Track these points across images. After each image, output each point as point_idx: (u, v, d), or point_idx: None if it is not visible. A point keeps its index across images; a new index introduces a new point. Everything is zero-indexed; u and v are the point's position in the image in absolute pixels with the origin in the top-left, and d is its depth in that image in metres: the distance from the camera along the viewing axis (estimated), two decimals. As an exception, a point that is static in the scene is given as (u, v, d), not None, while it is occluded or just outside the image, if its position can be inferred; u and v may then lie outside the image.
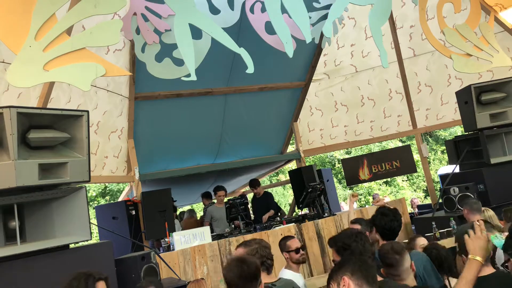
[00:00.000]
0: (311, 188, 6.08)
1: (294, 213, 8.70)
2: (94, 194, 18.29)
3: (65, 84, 5.09)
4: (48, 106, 4.87)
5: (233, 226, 6.01)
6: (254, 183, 7.41)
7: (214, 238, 5.28)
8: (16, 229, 2.68)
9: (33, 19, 3.17)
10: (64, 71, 3.25)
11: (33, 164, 2.69)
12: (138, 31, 4.24)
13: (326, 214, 6.06)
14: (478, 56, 5.67)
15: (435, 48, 5.75)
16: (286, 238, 3.70)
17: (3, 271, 2.57)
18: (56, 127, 2.92)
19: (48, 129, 2.87)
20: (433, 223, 5.01)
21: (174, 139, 7.18)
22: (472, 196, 5.10)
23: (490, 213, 4.14)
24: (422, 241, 3.73)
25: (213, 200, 7.58)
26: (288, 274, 3.31)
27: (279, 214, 7.20)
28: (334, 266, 2.01)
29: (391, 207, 3.45)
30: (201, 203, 8.64)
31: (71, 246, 2.99)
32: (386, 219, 3.22)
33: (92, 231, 3.13)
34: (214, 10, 4.68)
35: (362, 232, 2.86)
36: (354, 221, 4.03)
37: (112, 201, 17.34)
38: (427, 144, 20.70)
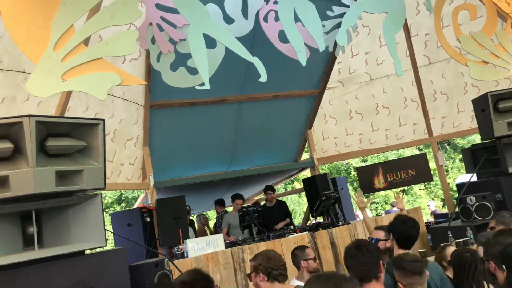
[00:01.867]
0: (325, 197, 6.06)
1: (308, 222, 8.66)
2: (110, 201, 18.50)
3: (82, 93, 5.21)
4: (66, 115, 4.98)
5: (249, 233, 6.02)
6: (270, 188, 7.36)
7: (227, 245, 5.30)
8: (34, 234, 2.73)
9: (52, 31, 3.26)
10: (81, 80, 3.33)
11: (50, 171, 2.75)
12: (153, 40, 4.32)
13: (340, 222, 6.03)
14: (495, 63, 5.60)
15: (451, 56, 5.71)
16: (303, 247, 3.69)
17: (21, 275, 2.63)
18: (73, 135, 2.98)
19: (65, 137, 2.93)
20: (449, 232, 4.94)
21: (189, 146, 7.24)
22: (490, 206, 5.01)
23: None
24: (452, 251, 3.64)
25: (225, 208, 7.60)
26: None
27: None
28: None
29: (410, 215, 3.40)
30: (214, 210, 8.67)
31: (87, 252, 3.04)
32: (405, 226, 3.16)
33: (107, 237, 3.18)
34: (228, 20, 4.73)
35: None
36: (378, 228, 3.94)
37: (127, 208, 17.51)
38: (445, 152, 20.42)
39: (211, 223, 10.25)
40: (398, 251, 3.16)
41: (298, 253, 3.62)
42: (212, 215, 17.89)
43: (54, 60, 3.24)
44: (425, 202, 19.62)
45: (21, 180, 2.63)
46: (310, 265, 3.51)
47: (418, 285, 2.46)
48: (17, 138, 2.67)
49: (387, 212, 12.88)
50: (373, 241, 3.78)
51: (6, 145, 2.63)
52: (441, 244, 4.11)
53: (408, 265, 2.50)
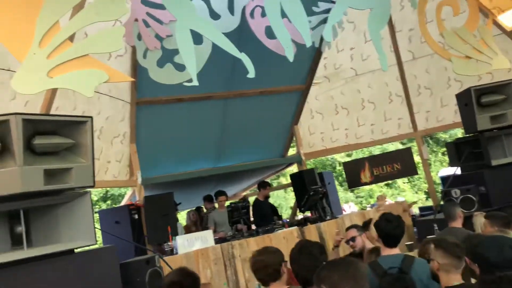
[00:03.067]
0: (312, 191, 6.12)
1: (296, 217, 8.73)
2: (95, 198, 18.32)
3: (70, 92, 5.16)
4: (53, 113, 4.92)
5: (235, 229, 6.04)
6: (266, 184, 7.41)
7: (217, 241, 5.31)
8: (22, 234, 2.70)
9: (37, 27, 3.21)
10: (68, 77, 3.29)
11: (38, 170, 2.72)
12: (139, 37, 4.28)
13: (328, 217, 6.09)
14: (478, 58, 5.70)
15: (435, 51, 5.79)
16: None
17: (10, 275, 2.60)
18: (60, 133, 2.94)
19: (53, 135, 2.90)
20: (435, 225, 5.02)
21: (176, 143, 7.22)
22: (474, 199, 5.12)
23: (481, 220, 4.04)
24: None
25: (214, 204, 7.61)
26: None
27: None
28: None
29: (395, 214, 3.44)
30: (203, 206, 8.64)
31: (76, 250, 3.02)
32: (390, 225, 3.20)
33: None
34: (215, 15, 4.72)
35: None
36: (348, 228, 4.02)
37: (113, 206, 17.37)
38: (428, 146, 20.73)
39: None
40: (384, 250, 3.21)
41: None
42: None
43: (39, 57, 3.19)
44: (409, 196, 19.92)
45: (8, 179, 2.60)
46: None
47: (454, 268, 2.54)
48: (4, 137, 2.63)
49: (372, 206, 13.03)
50: (350, 242, 3.88)
51: (-7, 144, 2.60)
52: (425, 238, 4.18)
53: (450, 247, 2.56)
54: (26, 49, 3.15)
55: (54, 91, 5.05)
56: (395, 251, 3.15)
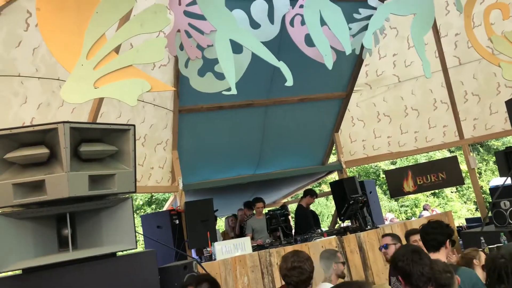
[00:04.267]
0: (353, 200, 6.02)
1: (336, 225, 8.60)
2: (141, 203, 18.87)
3: (115, 101, 5.37)
4: (99, 121, 5.14)
5: (274, 237, 6.04)
6: (313, 193, 7.42)
7: (255, 249, 5.33)
8: (68, 236, 2.84)
9: (85, 39, 3.38)
10: (113, 87, 3.44)
11: (84, 176, 2.85)
12: (181, 47, 4.40)
13: (368, 226, 5.97)
14: (529, 63, 5.42)
15: (482, 57, 5.56)
16: (334, 250, 3.72)
17: (57, 276, 2.74)
18: (105, 141, 3.07)
19: (97, 142, 3.03)
20: (482, 238, 4.80)
21: (216, 150, 7.33)
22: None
23: None
24: (482, 257, 3.57)
25: (253, 212, 7.65)
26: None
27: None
28: None
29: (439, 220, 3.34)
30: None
31: (118, 254, 3.12)
32: (435, 231, 3.11)
33: (138, 239, 3.26)
34: (255, 25, 4.78)
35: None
36: (384, 235, 3.99)
37: (158, 210, 17.80)
38: (478, 154, 19.84)
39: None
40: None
41: (329, 255, 3.64)
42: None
43: (86, 68, 3.36)
44: (457, 206, 19.12)
45: (56, 184, 2.74)
46: (340, 268, 3.54)
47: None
48: (53, 144, 2.78)
49: (419, 217, 12.60)
50: (383, 248, 3.86)
51: (43, 151, 2.75)
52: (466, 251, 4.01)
53: (442, 276, 2.47)
54: (75, 60, 3.32)
55: (101, 101, 5.29)
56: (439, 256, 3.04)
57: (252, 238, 6.62)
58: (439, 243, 3.09)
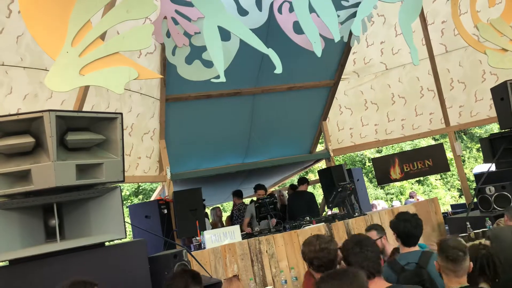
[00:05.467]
0: (341, 188, 6.05)
1: (324, 213, 8.66)
2: (127, 193, 18.75)
3: (104, 91, 5.29)
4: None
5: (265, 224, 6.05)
6: (305, 180, 7.48)
7: (244, 237, 5.33)
8: (55, 227, 2.80)
9: (69, 26, 3.30)
10: (99, 75, 3.37)
11: (70, 165, 2.80)
12: (168, 34, 4.33)
13: (356, 213, 6.01)
14: (514, 51, 5.48)
15: (469, 44, 5.59)
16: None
17: (44, 267, 2.70)
18: (92, 129, 3.02)
19: (84, 131, 2.98)
20: (468, 223, 4.89)
21: (204, 139, 7.29)
22: (510, 196, 4.95)
23: None
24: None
25: (243, 200, 7.66)
26: None
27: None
28: None
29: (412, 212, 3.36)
30: (231, 202, 8.71)
31: (106, 244, 3.09)
32: (408, 225, 3.14)
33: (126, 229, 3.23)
34: (243, 12, 4.72)
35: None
36: (369, 229, 3.97)
37: (145, 200, 17.72)
38: (462, 142, 20.13)
39: (226, 215, 10.31)
40: (404, 249, 3.16)
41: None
42: (228, 206, 18.01)
43: (72, 55, 3.28)
44: (441, 193, 19.42)
45: (43, 174, 2.69)
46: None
47: (451, 272, 2.49)
48: (38, 133, 2.72)
49: (406, 203, 12.78)
50: None
51: (28, 140, 2.69)
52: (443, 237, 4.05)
53: (448, 250, 2.51)
54: (59, 47, 3.24)
55: (87, 90, 5.18)
56: (414, 249, 3.10)
57: (249, 223, 6.66)
58: None
